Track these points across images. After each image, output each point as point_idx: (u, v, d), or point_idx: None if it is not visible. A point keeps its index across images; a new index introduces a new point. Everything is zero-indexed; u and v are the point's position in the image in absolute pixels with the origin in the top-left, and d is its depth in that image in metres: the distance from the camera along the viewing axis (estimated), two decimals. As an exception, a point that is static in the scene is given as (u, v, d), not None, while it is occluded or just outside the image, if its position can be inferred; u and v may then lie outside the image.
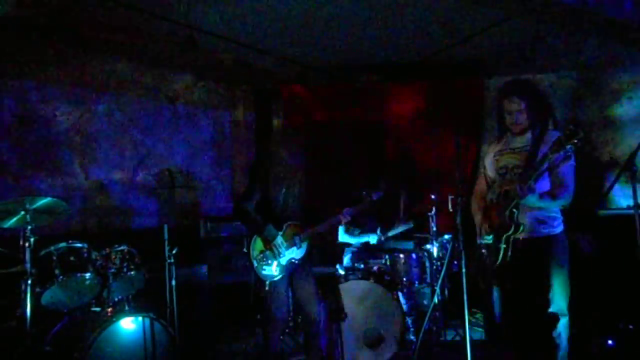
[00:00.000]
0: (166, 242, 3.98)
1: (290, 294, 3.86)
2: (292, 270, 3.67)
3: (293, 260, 3.63)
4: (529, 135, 3.24)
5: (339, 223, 3.97)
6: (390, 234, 5.03)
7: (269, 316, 3.56)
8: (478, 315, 5.06)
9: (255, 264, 3.53)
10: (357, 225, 5.02)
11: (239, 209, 3.65)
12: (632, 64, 5.50)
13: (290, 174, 3.66)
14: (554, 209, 3.17)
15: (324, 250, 5.26)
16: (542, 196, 3.08)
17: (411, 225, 5.10)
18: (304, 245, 3.70)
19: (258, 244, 3.57)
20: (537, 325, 3.21)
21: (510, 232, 3.06)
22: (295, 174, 3.70)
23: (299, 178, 3.72)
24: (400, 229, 5.07)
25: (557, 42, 5.11)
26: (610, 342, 3.96)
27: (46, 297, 3.48)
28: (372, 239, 4.91)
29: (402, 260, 4.42)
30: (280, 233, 3.60)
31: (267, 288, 3.51)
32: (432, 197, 4.65)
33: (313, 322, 3.71)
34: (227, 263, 5.30)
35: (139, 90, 5.63)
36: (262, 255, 3.55)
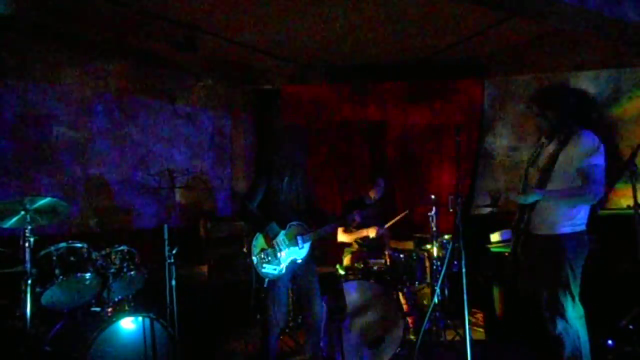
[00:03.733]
0: (166, 242, 3.98)
1: (289, 293, 3.85)
2: (294, 270, 3.66)
3: (294, 260, 3.63)
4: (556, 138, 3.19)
5: (346, 225, 3.97)
6: (388, 224, 5.05)
7: (267, 315, 3.55)
8: (478, 315, 5.06)
9: (256, 261, 3.52)
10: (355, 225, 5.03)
11: (243, 207, 3.64)
12: (632, 64, 5.49)
13: (293, 170, 3.66)
14: (572, 208, 3.10)
15: (324, 251, 5.27)
16: (552, 195, 3.07)
17: (406, 212, 5.10)
18: (306, 246, 3.69)
19: (260, 242, 3.56)
20: (539, 322, 3.21)
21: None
22: (298, 169, 3.69)
23: (301, 174, 3.72)
24: (397, 218, 5.07)
25: (557, 42, 5.11)
26: (610, 342, 3.96)
27: (46, 297, 3.47)
28: (371, 232, 4.92)
29: (402, 260, 4.41)
30: (283, 232, 3.59)
31: (265, 286, 3.51)
32: (432, 197, 4.66)
33: (315, 322, 3.70)
34: (227, 263, 5.30)
35: (139, 90, 5.63)
36: (263, 253, 3.54)
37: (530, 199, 3.06)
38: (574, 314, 3.11)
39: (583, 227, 3.15)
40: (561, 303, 3.09)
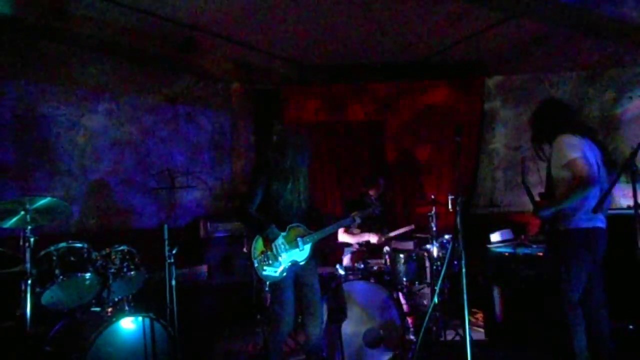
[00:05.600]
0: (166, 242, 3.98)
1: (293, 295, 3.84)
2: (295, 272, 3.65)
3: (295, 262, 3.61)
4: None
5: (347, 227, 3.97)
6: (392, 234, 5.04)
7: (271, 318, 3.54)
8: (478, 315, 5.06)
9: (256, 264, 3.51)
10: (358, 226, 5.01)
11: (242, 210, 3.62)
12: (631, 63, 5.50)
13: (294, 173, 3.64)
14: (581, 202, 3.21)
15: (324, 251, 5.27)
16: (555, 206, 3.26)
17: (412, 226, 5.10)
18: (307, 248, 3.67)
19: (260, 244, 3.55)
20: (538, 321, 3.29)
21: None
22: (299, 172, 3.67)
23: (302, 176, 3.70)
24: (402, 230, 5.07)
25: (557, 42, 5.11)
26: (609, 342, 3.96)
27: (46, 297, 3.47)
28: (372, 238, 4.92)
29: (402, 260, 4.41)
30: (283, 234, 3.58)
31: (266, 289, 3.50)
32: (432, 197, 4.66)
33: (316, 323, 3.69)
34: (227, 263, 5.30)
35: (139, 90, 5.63)
36: (263, 255, 3.53)
37: (542, 215, 3.31)
38: (569, 310, 3.20)
39: (582, 225, 3.22)
40: (559, 298, 3.22)
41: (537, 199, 3.45)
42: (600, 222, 3.26)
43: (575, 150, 3.17)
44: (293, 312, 3.61)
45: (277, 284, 3.53)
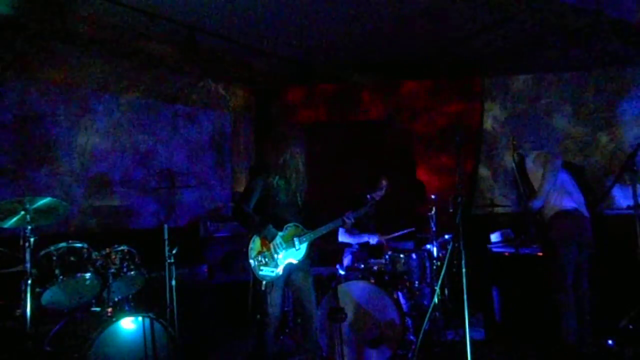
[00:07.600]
0: (166, 242, 3.98)
1: (286, 294, 3.84)
2: (290, 272, 3.65)
3: (291, 262, 3.61)
4: None
5: (342, 226, 3.94)
6: (392, 236, 5.02)
7: (264, 316, 3.54)
8: (478, 315, 5.06)
9: (253, 264, 3.50)
10: (357, 227, 4.99)
11: (238, 209, 3.62)
12: (632, 63, 5.50)
13: (290, 171, 3.64)
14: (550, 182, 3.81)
15: (324, 251, 5.26)
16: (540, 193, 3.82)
17: (413, 229, 5.08)
18: (303, 248, 3.67)
19: (256, 244, 3.55)
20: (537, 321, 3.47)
21: None
22: (295, 171, 3.67)
23: (298, 175, 3.70)
24: (401, 232, 5.04)
25: (557, 42, 5.11)
26: (610, 342, 3.97)
27: (46, 297, 3.47)
28: (372, 239, 4.90)
29: (402, 260, 4.41)
30: (281, 233, 3.58)
31: (263, 288, 3.49)
32: (432, 197, 4.66)
33: (311, 322, 3.70)
34: (227, 263, 5.30)
35: (139, 90, 5.63)
36: (260, 255, 3.53)
37: (534, 205, 3.81)
38: (560, 292, 3.54)
39: (564, 206, 3.72)
40: (552, 282, 3.58)
41: None
42: (581, 208, 3.74)
43: (537, 151, 3.98)
44: (280, 310, 3.62)
45: (271, 283, 3.53)
